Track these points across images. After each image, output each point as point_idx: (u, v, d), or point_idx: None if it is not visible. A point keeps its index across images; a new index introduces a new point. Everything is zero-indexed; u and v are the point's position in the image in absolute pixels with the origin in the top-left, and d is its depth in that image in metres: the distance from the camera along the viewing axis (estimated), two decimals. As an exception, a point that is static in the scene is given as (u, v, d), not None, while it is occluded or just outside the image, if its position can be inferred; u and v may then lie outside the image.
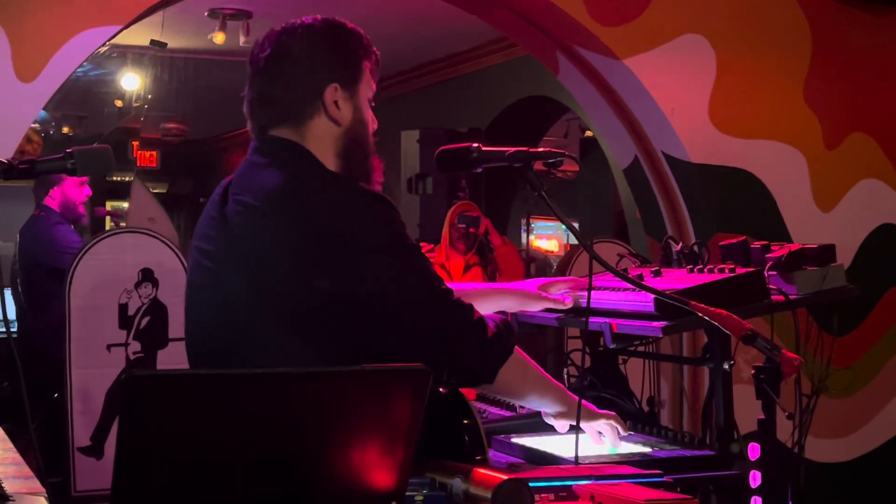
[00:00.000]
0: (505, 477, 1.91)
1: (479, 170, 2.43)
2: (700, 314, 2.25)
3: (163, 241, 4.39)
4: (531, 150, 2.38)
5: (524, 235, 18.99)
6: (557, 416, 2.49)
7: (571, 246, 8.03)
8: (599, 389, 3.07)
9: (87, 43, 3.98)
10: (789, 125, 4.96)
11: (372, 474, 1.77)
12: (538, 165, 2.47)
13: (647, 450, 2.63)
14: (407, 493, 1.91)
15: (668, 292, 2.47)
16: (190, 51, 8.50)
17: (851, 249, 5.01)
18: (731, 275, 2.59)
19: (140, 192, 4.44)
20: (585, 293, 2.80)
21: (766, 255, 2.65)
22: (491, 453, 2.81)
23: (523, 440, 2.72)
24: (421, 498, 1.94)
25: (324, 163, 2.31)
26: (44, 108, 9.92)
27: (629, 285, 2.74)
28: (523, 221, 19.22)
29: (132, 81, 8.92)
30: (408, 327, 2.21)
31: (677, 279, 2.71)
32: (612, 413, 2.57)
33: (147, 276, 4.36)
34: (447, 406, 2.34)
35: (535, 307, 2.84)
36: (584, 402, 2.56)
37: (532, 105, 8.85)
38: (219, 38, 7.42)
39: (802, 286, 2.61)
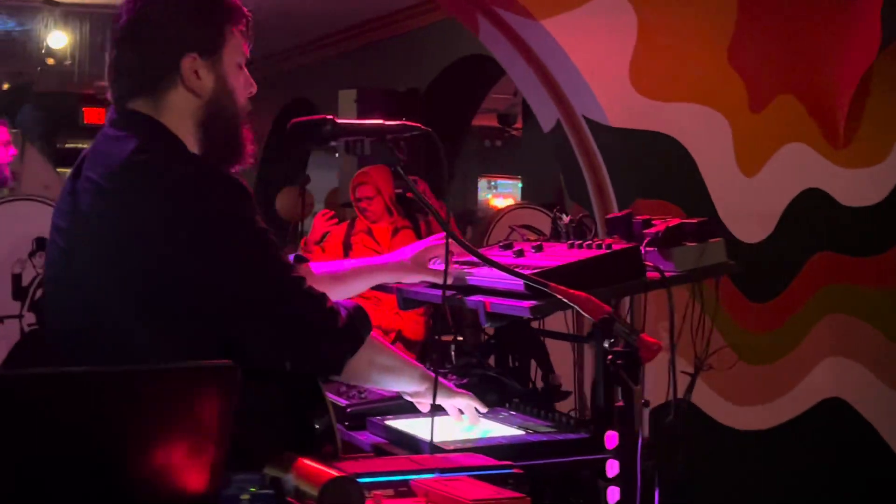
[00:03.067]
0: (334, 474, 1.82)
1: (335, 143, 2.32)
2: (559, 296, 2.15)
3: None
4: (385, 123, 2.28)
5: (480, 194, 18.93)
6: (414, 395, 2.43)
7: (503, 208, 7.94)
8: (485, 367, 2.98)
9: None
10: (713, 88, 4.85)
11: (182, 477, 1.66)
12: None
13: (519, 433, 2.54)
14: (231, 493, 1.82)
15: (533, 271, 2.37)
16: (94, 6, 8.27)
17: (775, 214, 4.94)
18: (607, 251, 2.49)
19: (34, 158, 4.28)
20: (468, 268, 2.71)
21: (645, 231, 2.55)
22: (365, 435, 2.73)
23: (395, 422, 2.63)
24: (247, 497, 1.83)
25: (182, 137, 2.23)
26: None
27: (509, 262, 2.65)
28: (481, 181, 19.17)
29: (59, 39, 8.70)
30: (252, 315, 2.12)
31: (555, 255, 2.61)
32: (469, 393, 2.51)
33: (41, 245, 4.22)
34: (300, 397, 2.26)
35: (412, 279, 2.75)
36: (442, 380, 2.48)
37: (474, 64, 8.70)
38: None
39: (680, 262, 2.51)
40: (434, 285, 2.74)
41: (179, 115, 2.23)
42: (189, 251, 2.07)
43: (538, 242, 2.73)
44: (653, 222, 2.61)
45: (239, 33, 2.29)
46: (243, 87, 2.31)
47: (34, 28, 8.88)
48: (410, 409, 2.64)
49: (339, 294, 2.68)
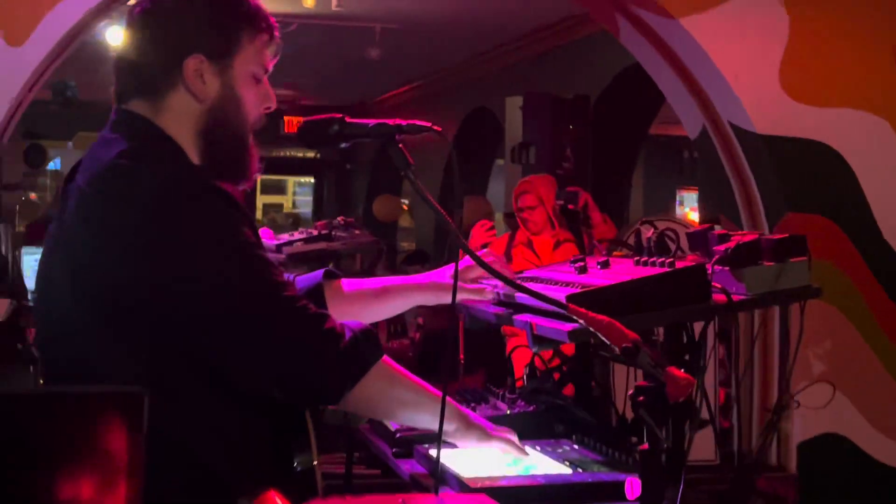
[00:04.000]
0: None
1: (346, 145, 2.11)
2: (580, 320, 1.87)
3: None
4: (393, 122, 2.05)
5: (678, 208, 18.35)
6: (444, 434, 2.16)
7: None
8: (553, 395, 2.71)
9: (80, 4, 3.79)
10: (876, 92, 4.39)
11: (92, 510, 1.49)
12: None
13: (565, 471, 2.28)
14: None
15: (577, 290, 2.10)
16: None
17: (950, 233, 4.44)
18: (667, 270, 2.19)
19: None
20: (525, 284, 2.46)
21: (716, 247, 2.24)
22: (409, 464, 2.52)
23: (435, 451, 2.40)
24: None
25: (180, 143, 2.07)
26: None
27: (563, 278, 2.39)
28: (683, 193, 18.58)
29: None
30: (233, 335, 1.92)
31: (615, 273, 2.32)
32: (508, 435, 2.24)
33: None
34: (282, 428, 2.05)
35: (450, 299, 2.50)
36: (479, 420, 2.24)
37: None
38: (309, 1, 7.21)
39: (753, 284, 2.18)
40: (504, 303, 2.49)
41: (179, 119, 2.07)
42: (160, 265, 1.90)
43: (605, 258, 2.45)
44: (730, 237, 2.29)
45: (260, 43, 2.11)
46: (256, 100, 2.12)
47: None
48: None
49: (374, 314, 2.48)
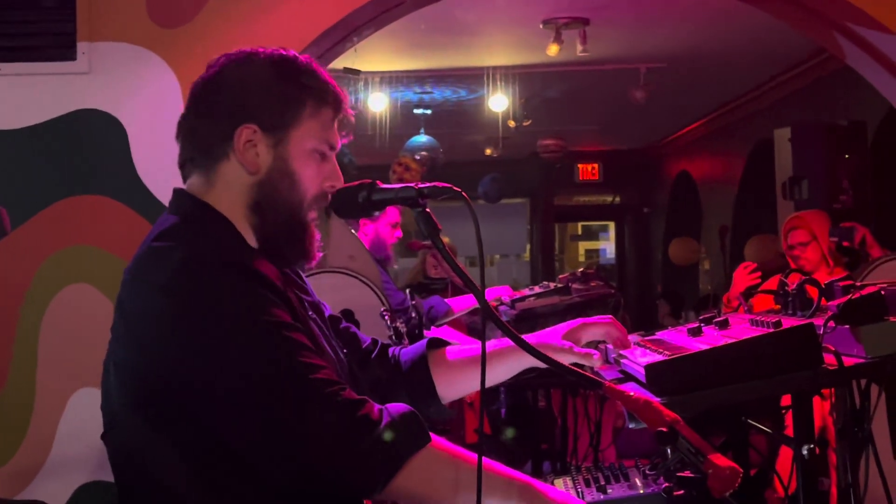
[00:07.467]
0: None
1: (378, 213, 1.95)
2: (617, 399, 1.62)
3: (362, 281, 4.12)
4: (416, 185, 1.87)
5: None
6: None
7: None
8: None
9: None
10: None
11: None
12: None
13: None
14: None
15: (666, 357, 1.85)
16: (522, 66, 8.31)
17: None
18: (768, 331, 1.88)
19: (340, 229, 4.20)
20: (630, 349, 2.21)
21: (829, 302, 1.91)
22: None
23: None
24: None
25: (233, 218, 2.00)
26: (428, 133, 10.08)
27: (671, 341, 2.12)
28: None
29: (501, 102, 8.81)
30: (253, 424, 1.80)
31: (730, 335, 2.03)
32: None
33: (348, 317, 4.10)
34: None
35: (563, 360, 2.25)
36: (561, 497, 1.96)
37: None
38: (552, 50, 7.09)
39: (873, 346, 1.83)
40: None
41: (230, 192, 2.00)
42: (174, 348, 1.81)
43: (724, 318, 2.15)
44: (856, 285, 1.95)
45: (324, 119, 2.02)
46: (317, 177, 2.02)
47: (483, 95, 9.10)
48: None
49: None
